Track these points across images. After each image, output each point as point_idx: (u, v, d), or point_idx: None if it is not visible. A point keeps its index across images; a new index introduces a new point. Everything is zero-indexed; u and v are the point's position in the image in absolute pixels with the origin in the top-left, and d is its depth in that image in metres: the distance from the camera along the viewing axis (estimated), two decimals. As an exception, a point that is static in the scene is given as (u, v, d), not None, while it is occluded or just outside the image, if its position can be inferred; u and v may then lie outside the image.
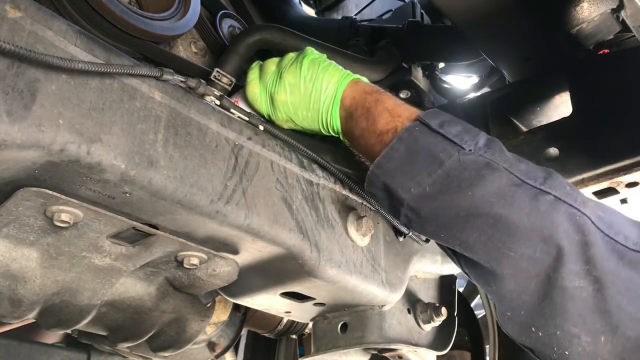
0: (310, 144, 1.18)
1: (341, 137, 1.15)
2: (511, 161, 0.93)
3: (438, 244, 1.11)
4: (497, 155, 0.93)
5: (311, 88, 1.11)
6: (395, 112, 1.04)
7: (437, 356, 1.48)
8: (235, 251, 1.06)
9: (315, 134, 1.27)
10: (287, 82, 1.13)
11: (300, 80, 1.12)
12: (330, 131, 1.14)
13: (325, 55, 1.19)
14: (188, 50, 1.36)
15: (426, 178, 0.95)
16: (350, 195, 1.21)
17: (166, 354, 1.33)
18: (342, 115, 1.11)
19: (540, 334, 0.86)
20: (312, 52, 1.18)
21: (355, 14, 2.18)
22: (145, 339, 1.20)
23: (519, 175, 0.90)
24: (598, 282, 0.81)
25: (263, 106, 1.17)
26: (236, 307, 1.84)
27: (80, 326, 1.07)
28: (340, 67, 1.16)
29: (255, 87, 1.17)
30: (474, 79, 1.88)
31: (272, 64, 1.19)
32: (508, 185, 0.90)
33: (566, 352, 0.82)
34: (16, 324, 1.56)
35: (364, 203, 1.24)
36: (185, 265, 1.05)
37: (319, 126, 1.14)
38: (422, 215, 0.98)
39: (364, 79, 1.16)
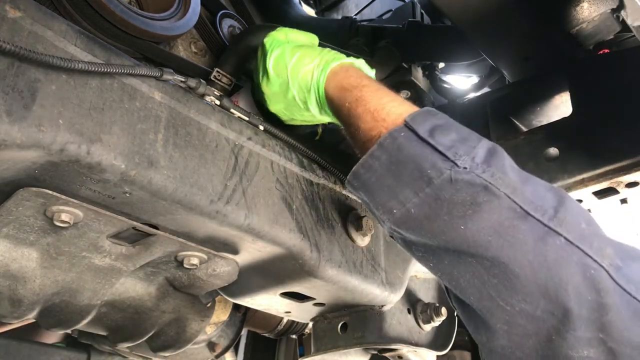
0: (310, 144, 1.18)
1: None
2: (515, 185, 0.76)
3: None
4: (497, 177, 0.76)
5: (291, 95, 1.03)
6: (378, 115, 0.88)
7: (437, 356, 1.48)
8: (235, 251, 1.06)
9: (314, 134, 1.27)
10: (269, 93, 1.07)
11: (277, 88, 1.04)
12: (328, 120, 1.08)
13: (286, 39, 1.08)
14: (188, 50, 1.36)
15: (411, 197, 0.80)
16: (350, 195, 1.21)
17: (166, 354, 1.33)
18: (333, 112, 1.01)
19: None
20: (271, 47, 1.06)
21: (355, 14, 2.18)
22: (145, 339, 1.20)
23: (523, 204, 0.75)
24: (612, 354, 0.68)
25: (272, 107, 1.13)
26: (236, 307, 1.84)
27: (80, 326, 1.07)
28: (314, 51, 1.03)
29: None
30: (474, 79, 1.88)
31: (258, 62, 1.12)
32: (509, 219, 0.74)
33: None
34: (16, 324, 1.56)
35: (364, 203, 1.24)
36: (185, 265, 1.05)
37: (318, 120, 1.09)
38: (407, 240, 0.85)
39: (347, 60, 1.01)
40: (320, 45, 1.37)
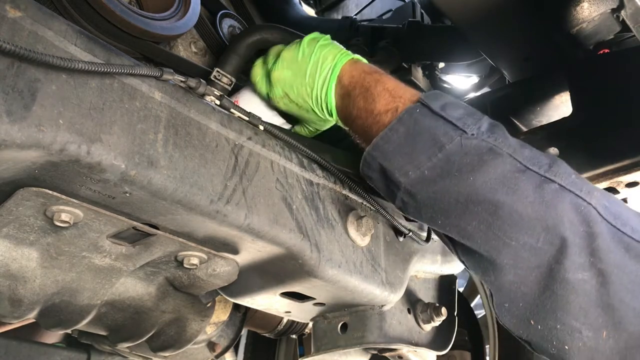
0: (310, 143, 1.18)
1: (334, 117, 1.14)
2: (515, 146, 0.89)
3: (434, 231, 1.08)
4: (500, 141, 0.90)
5: (308, 62, 1.10)
6: (396, 93, 1.01)
7: (437, 356, 1.48)
8: (235, 251, 1.06)
9: (314, 135, 1.27)
10: (285, 58, 1.13)
11: (298, 55, 1.12)
12: (324, 109, 1.13)
13: (329, 36, 1.17)
14: (188, 50, 1.36)
15: (425, 161, 0.91)
16: (350, 195, 1.21)
17: (166, 354, 1.34)
18: (339, 93, 1.09)
19: (539, 327, 0.84)
20: (315, 33, 1.16)
21: (356, 14, 2.18)
22: (145, 338, 1.20)
23: (522, 161, 0.87)
24: (602, 275, 0.79)
25: (263, 87, 1.18)
26: (236, 307, 1.84)
27: (80, 326, 1.07)
28: (341, 47, 1.13)
29: (258, 67, 1.19)
30: (474, 79, 1.88)
31: (276, 48, 1.20)
32: (511, 172, 0.86)
33: (566, 347, 0.81)
34: (16, 324, 1.56)
35: (364, 203, 1.24)
36: (185, 265, 1.05)
37: (312, 103, 1.14)
38: (419, 200, 0.94)
39: (364, 60, 1.13)
40: None
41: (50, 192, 0.81)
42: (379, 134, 0.97)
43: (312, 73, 1.10)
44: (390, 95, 1.01)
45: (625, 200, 1.35)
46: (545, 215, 0.83)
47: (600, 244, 0.80)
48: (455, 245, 0.99)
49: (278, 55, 1.16)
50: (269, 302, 1.25)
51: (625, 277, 0.78)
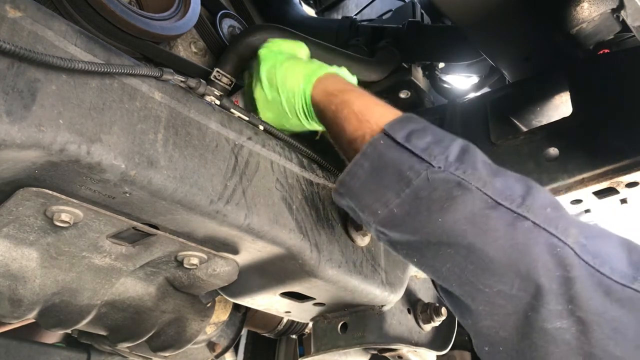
0: (310, 144, 1.18)
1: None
2: (485, 178, 0.84)
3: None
4: (469, 173, 0.84)
5: (280, 102, 1.09)
6: (363, 116, 0.95)
7: (437, 356, 1.48)
8: (235, 251, 1.06)
9: (314, 134, 1.27)
10: (259, 100, 1.13)
11: (267, 95, 1.11)
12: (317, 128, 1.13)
13: (279, 44, 1.15)
14: (188, 50, 1.36)
15: (393, 198, 0.87)
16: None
17: (166, 354, 1.34)
18: (319, 117, 1.07)
19: None
20: (264, 50, 1.14)
21: (356, 14, 2.18)
22: (145, 338, 1.20)
23: (493, 195, 0.82)
24: (582, 324, 0.74)
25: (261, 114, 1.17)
26: (236, 307, 1.84)
27: (80, 326, 1.07)
28: (298, 58, 1.11)
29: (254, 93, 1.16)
30: (474, 79, 1.88)
31: (247, 75, 1.20)
32: (481, 209, 0.81)
33: None
34: (16, 324, 1.56)
35: (364, 203, 1.24)
36: (185, 265, 1.05)
37: (311, 129, 1.13)
38: (391, 239, 0.91)
39: (332, 70, 1.09)
40: (320, 45, 1.37)
41: (50, 192, 0.81)
42: (367, 138, 0.93)
43: (290, 110, 1.09)
44: (357, 119, 0.96)
45: (625, 200, 1.35)
46: (518, 260, 0.78)
47: (578, 289, 0.75)
48: (434, 283, 0.96)
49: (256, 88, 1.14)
50: (269, 302, 1.25)
51: (606, 325, 0.73)
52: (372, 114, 0.95)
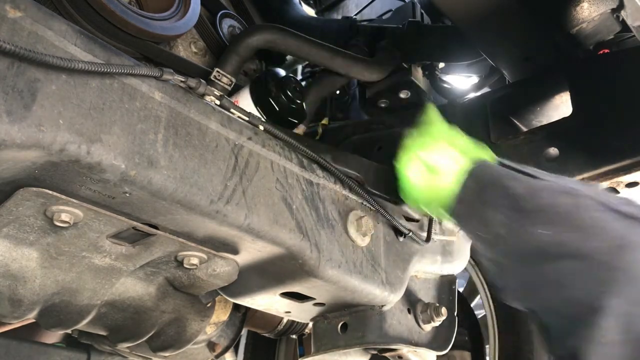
0: (310, 144, 1.18)
1: None
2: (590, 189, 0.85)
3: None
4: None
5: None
6: None
7: (437, 356, 1.48)
8: (235, 251, 1.06)
9: (314, 134, 1.27)
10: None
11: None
12: None
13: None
14: (188, 50, 1.36)
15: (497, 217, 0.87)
16: (350, 195, 1.21)
17: (166, 354, 1.33)
18: None
19: None
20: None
21: (355, 14, 2.18)
22: (145, 339, 1.20)
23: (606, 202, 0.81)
24: None
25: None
26: (236, 307, 1.84)
27: (80, 326, 1.07)
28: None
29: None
30: (474, 79, 1.88)
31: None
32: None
33: None
34: (16, 324, 1.56)
35: (364, 203, 1.24)
36: (185, 265, 1.05)
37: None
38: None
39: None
40: (320, 45, 1.37)
41: (50, 192, 0.81)
42: None
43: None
44: None
45: (625, 200, 1.35)
46: None
47: None
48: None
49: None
50: (269, 302, 1.25)
51: None
52: None
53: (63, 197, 0.82)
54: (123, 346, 1.39)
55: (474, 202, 0.90)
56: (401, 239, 1.29)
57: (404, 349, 1.37)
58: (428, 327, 1.41)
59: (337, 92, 1.91)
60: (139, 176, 0.82)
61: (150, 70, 0.88)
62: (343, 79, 1.58)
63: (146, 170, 0.83)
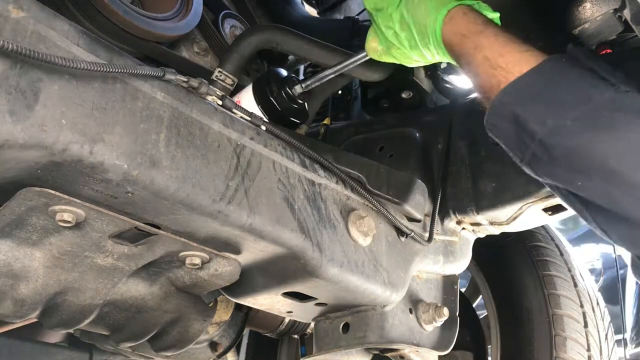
0: (312, 144, 1.18)
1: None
2: None
3: (561, 196, 0.91)
4: None
5: (410, 34, 1.03)
6: (496, 63, 0.89)
7: (439, 356, 1.48)
8: (237, 251, 1.07)
9: (316, 134, 1.27)
10: (389, 34, 1.06)
11: (398, 30, 1.03)
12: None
13: None
14: (190, 50, 1.37)
15: (568, 111, 0.80)
16: (352, 195, 1.21)
17: (168, 354, 1.34)
18: (452, 57, 1.00)
19: None
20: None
21: (358, 14, 2.17)
22: (147, 338, 1.20)
23: None
24: None
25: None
26: (238, 307, 1.84)
27: (82, 326, 1.07)
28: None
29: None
30: (476, 79, 1.88)
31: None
32: None
33: None
34: (19, 324, 1.56)
35: (366, 203, 1.24)
36: (187, 265, 1.05)
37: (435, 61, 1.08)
38: (555, 155, 0.82)
39: (463, 2, 0.99)
40: (322, 45, 1.37)
41: (52, 192, 0.81)
42: (511, 80, 0.86)
43: (424, 46, 1.03)
44: (490, 65, 0.90)
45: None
46: None
47: None
48: (590, 211, 0.85)
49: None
50: (271, 302, 1.25)
51: None
52: (505, 61, 0.89)
53: (65, 196, 0.83)
54: (125, 346, 1.39)
55: (542, 93, 0.84)
56: (403, 239, 1.29)
57: (406, 349, 1.37)
58: (430, 328, 1.41)
59: (339, 92, 1.91)
60: (142, 176, 0.82)
61: (153, 71, 0.88)
62: (345, 79, 1.58)
63: (148, 170, 0.83)
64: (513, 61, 0.88)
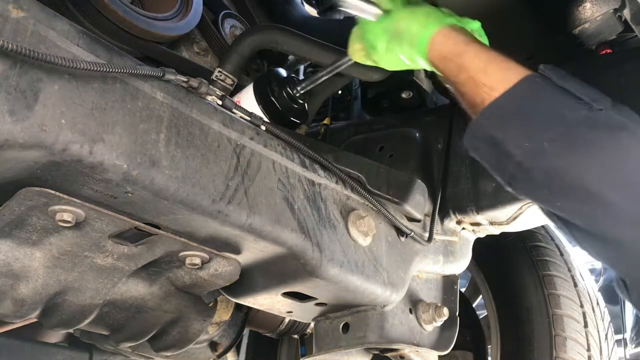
0: (312, 144, 1.18)
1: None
2: None
3: (544, 212, 0.93)
4: (633, 118, 0.80)
5: (395, 57, 1.05)
6: (479, 80, 0.90)
7: (439, 356, 1.48)
8: (237, 251, 1.07)
9: (316, 134, 1.27)
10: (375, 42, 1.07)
11: (384, 42, 1.05)
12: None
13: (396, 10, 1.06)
14: (190, 50, 1.37)
15: (544, 133, 0.81)
16: (352, 195, 1.21)
17: (168, 354, 1.34)
18: (442, 78, 1.02)
19: None
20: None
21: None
22: (147, 338, 1.20)
23: None
24: None
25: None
26: (238, 307, 1.84)
27: (82, 325, 1.07)
28: (413, 16, 1.01)
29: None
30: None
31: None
32: None
33: None
34: (18, 323, 1.56)
35: (366, 203, 1.24)
36: (187, 265, 1.05)
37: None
38: (533, 177, 0.84)
39: (442, 25, 0.99)
40: (322, 45, 1.37)
41: (52, 191, 0.81)
42: (485, 104, 0.88)
43: (404, 61, 1.05)
44: (474, 83, 0.91)
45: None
46: None
47: None
48: (570, 229, 0.87)
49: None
50: (270, 302, 1.25)
51: None
52: (489, 80, 0.90)
53: (65, 196, 0.83)
54: (125, 346, 1.39)
55: (518, 115, 0.85)
56: (403, 239, 1.29)
57: (406, 349, 1.37)
58: (430, 328, 1.41)
59: (339, 92, 1.91)
60: (141, 176, 0.82)
61: (152, 71, 0.88)
62: (345, 79, 1.58)
63: (148, 170, 0.83)
64: (496, 79, 0.89)
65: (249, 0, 1.71)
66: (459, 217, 1.45)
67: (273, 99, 1.32)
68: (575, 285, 1.81)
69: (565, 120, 0.80)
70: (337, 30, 1.79)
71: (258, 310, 1.83)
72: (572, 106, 0.81)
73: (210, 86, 1.01)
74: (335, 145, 1.37)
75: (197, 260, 1.05)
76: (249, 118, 1.06)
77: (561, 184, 0.81)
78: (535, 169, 0.83)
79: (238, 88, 1.29)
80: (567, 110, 0.81)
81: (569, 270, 1.85)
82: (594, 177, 0.78)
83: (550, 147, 0.80)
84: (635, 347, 3.81)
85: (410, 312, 1.40)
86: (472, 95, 0.92)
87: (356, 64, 1.45)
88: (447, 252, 1.47)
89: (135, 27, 1.10)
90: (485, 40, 1.07)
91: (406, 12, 1.03)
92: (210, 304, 1.26)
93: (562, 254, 1.88)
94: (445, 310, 1.39)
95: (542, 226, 1.90)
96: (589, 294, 1.83)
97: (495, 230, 1.49)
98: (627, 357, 3.51)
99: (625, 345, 3.46)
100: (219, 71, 1.22)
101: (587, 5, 1.26)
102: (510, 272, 1.89)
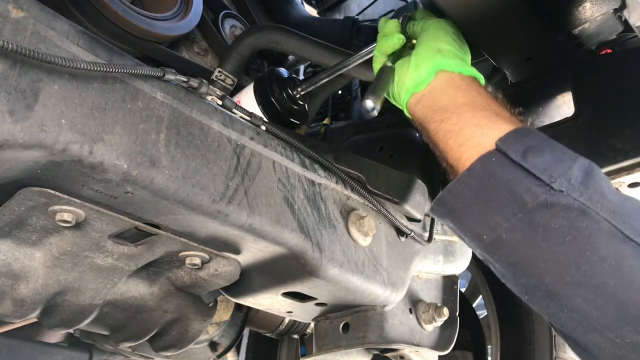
0: (312, 144, 1.18)
1: None
2: (613, 206, 0.73)
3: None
4: (595, 200, 0.73)
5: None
6: (447, 146, 0.88)
7: (439, 356, 1.48)
8: (237, 251, 1.07)
9: (316, 134, 1.27)
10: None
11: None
12: None
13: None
14: (190, 50, 1.37)
15: (503, 222, 0.77)
16: (352, 195, 1.22)
17: (168, 354, 1.34)
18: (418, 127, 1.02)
19: None
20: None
21: (357, 14, 2.18)
22: (147, 338, 1.20)
23: (623, 229, 0.71)
24: None
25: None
26: (238, 307, 1.84)
27: (82, 325, 1.07)
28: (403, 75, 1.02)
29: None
30: (476, 79, 1.88)
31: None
32: (613, 245, 0.70)
33: None
34: (18, 323, 1.56)
35: (366, 203, 1.24)
36: (187, 265, 1.05)
37: None
38: (498, 268, 0.81)
39: (429, 84, 0.98)
40: (322, 45, 1.37)
41: (52, 191, 0.81)
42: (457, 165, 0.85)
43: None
44: (440, 153, 0.90)
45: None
46: None
47: None
48: (552, 326, 0.83)
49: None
50: (270, 302, 1.25)
51: None
52: (450, 155, 0.88)
53: (65, 196, 0.83)
54: (125, 346, 1.40)
55: (474, 202, 0.80)
56: (403, 239, 1.29)
57: (406, 349, 1.37)
58: (430, 328, 1.41)
59: (339, 92, 1.91)
60: (141, 176, 0.82)
61: (152, 71, 0.88)
62: (345, 79, 1.58)
63: (148, 170, 0.83)
64: (454, 158, 0.87)
65: (249, 0, 1.72)
66: (459, 217, 1.45)
67: (273, 99, 1.32)
68: (575, 285, 1.81)
69: (525, 207, 0.75)
70: (337, 30, 1.80)
71: (258, 310, 1.84)
72: (530, 189, 0.75)
73: (210, 86, 1.01)
74: (335, 145, 1.37)
75: (197, 260, 1.05)
76: (249, 118, 1.06)
77: (525, 281, 0.78)
78: (500, 261, 0.80)
79: (238, 88, 1.29)
80: (526, 194, 0.75)
81: (569, 270, 1.84)
82: (556, 277, 0.74)
83: (510, 238, 0.76)
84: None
85: (410, 312, 1.40)
86: (443, 155, 0.91)
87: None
88: (447, 252, 1.47)
89: (135, 27, 1.10)
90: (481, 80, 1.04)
91: (391, 70, 1.06)
92: (210, 304, 1.26)
93: (562, 254, 1.88)
94: (445, 310, 1.39)
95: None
96: (589, 294, 1.82)
97: (495, 230, 1.49)
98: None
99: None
100: (219, 71, 1.22)
101: (587, 5, 1.26)
102: (510, 272, 1.89)
